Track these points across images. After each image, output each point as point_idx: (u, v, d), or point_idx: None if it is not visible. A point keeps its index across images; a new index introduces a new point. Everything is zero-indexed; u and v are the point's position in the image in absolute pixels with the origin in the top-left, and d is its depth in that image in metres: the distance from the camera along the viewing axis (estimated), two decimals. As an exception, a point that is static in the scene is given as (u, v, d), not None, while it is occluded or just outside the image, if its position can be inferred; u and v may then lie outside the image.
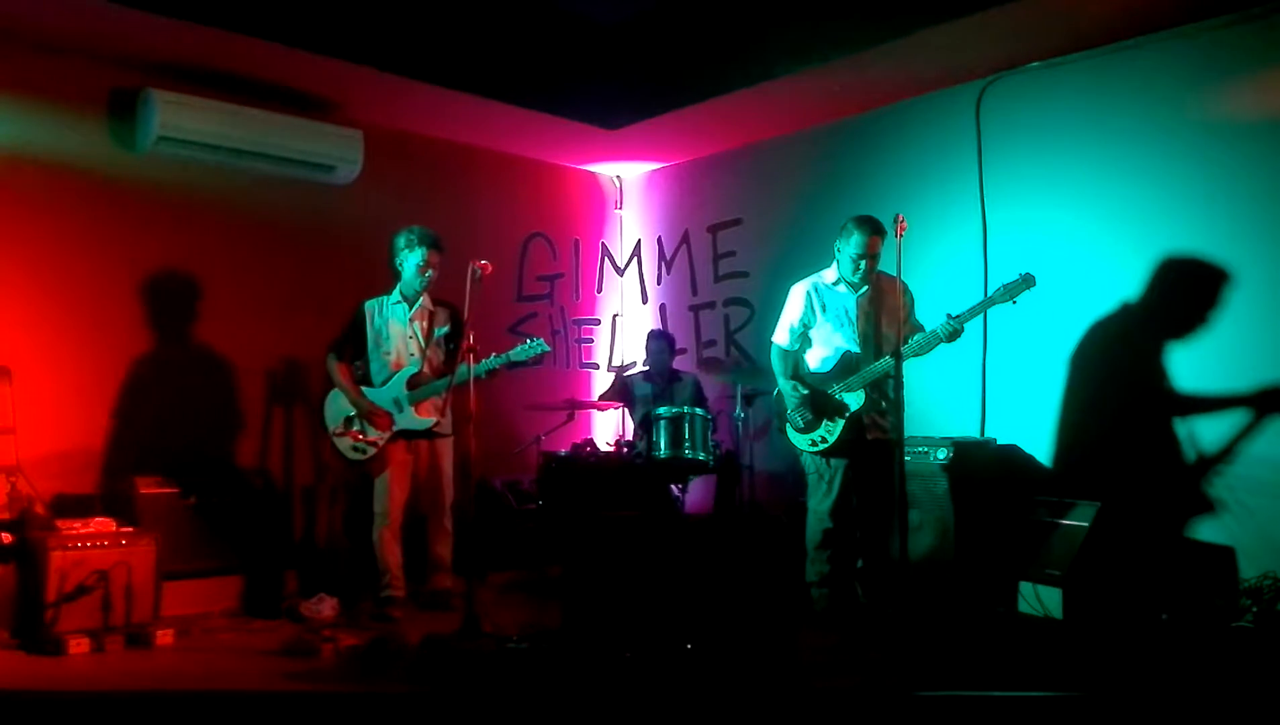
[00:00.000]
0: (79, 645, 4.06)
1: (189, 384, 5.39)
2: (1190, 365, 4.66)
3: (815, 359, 4.67)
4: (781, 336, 4.73)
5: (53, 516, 4.54)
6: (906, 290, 4.62)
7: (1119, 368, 4.89)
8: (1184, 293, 4.69)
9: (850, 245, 4.49)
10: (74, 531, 4.33)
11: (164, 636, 4.25)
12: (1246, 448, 4.47)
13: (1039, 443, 5.07)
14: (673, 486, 5.74)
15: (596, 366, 7.29)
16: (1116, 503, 4.58)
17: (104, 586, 4.26)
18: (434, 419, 4.87)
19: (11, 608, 4.23)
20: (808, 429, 4.56)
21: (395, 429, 4.85)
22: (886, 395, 4.53)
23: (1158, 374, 4.74)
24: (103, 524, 4.46)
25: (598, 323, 7.34)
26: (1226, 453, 4.50)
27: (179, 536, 4.78)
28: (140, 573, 4.37)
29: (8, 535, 4.30)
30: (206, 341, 5.44)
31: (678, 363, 6.60)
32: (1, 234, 4.88)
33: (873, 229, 4.45)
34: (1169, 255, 4.72)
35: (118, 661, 4.03)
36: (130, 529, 4.52)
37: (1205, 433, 4.59)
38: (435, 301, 5.02)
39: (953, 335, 4.31)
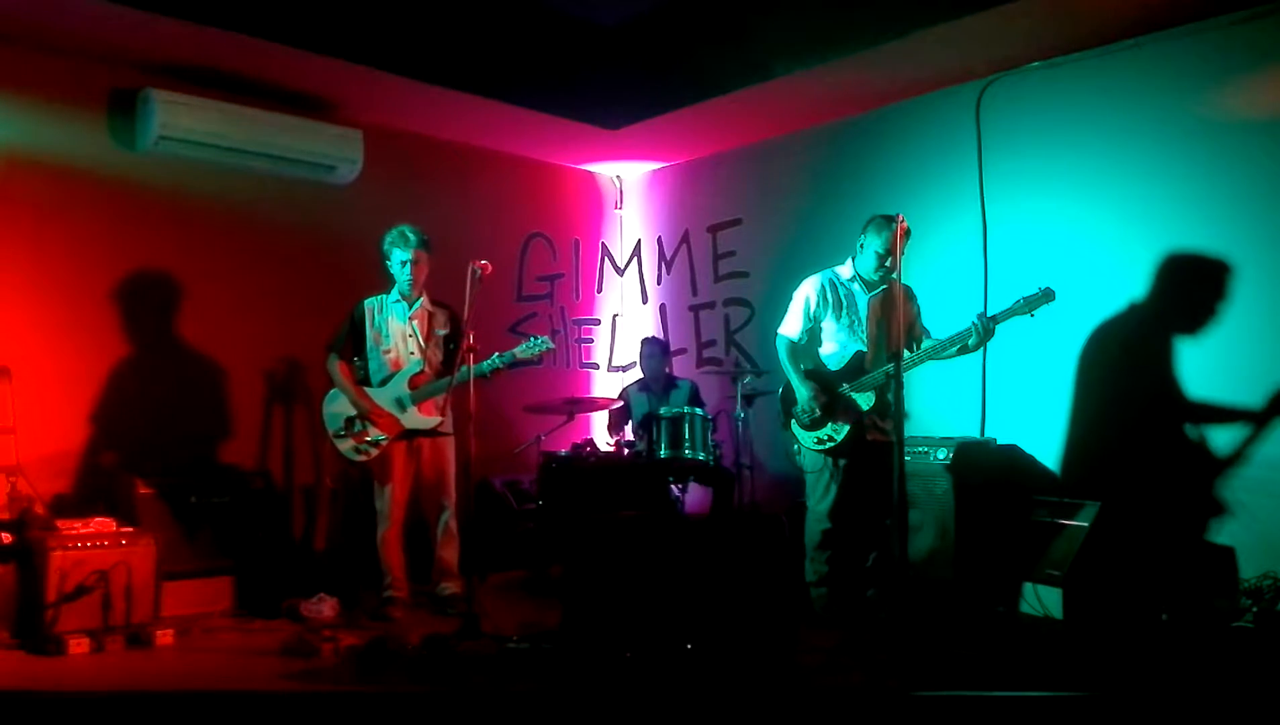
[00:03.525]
0: (79, 645, 4.05)
1: (189, 384, 5.39)
2: (1193, 365, 4.66)
3: (825, 356, 4.63)
4: (791, 328, 4.65)
5: (53, 516, 4.55)
6: (914, 297, 4.63)
7: (1120, 368, 4.89)
8: (1187, 292, 4.69)
9: (879, 241, 4.43)
10: (74, 531, 4.33)
11: (164, 636, 4.24)
12: (1247, 448, 4.47)
13: (1039, 443, 5.07)
14: (673, 487, 5.74)
15: (596, 366, 7.29)
16: (1117, 503, 4.58)
17: (104, 586, 4.25)
18: (438, 418, 4.86)
19: (11, 608, 4.23)
20: (814, 426, 4.54)
21: (399, 429, 4.83)
22: (887, 397, 4.54)
23: (1159, 374, 4.74)
24: (103, 524, 4.46)
25: (598, 323, 7.34)
26: (1237, 457, 4.48)
27: (179, 536, 4.79)
28: (140, 573, 4.37)
29: (8, 535, 4.30)
30: (206, 341, 5.44)
31: (677, 363, 6.60)
32: (1, 234, 4.88)
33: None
34: (1172, 254, 4.72)
35: (118, 661, 4.03)
36: (130, 529, 4.51)
37: (1209, 434, 4.59)
38: (435, 302, 5.01)
39: (979, 344, 4.29)
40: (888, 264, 4.46)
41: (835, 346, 4.60)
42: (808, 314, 4.61)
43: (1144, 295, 4.81)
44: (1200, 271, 4.63)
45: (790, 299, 4.70)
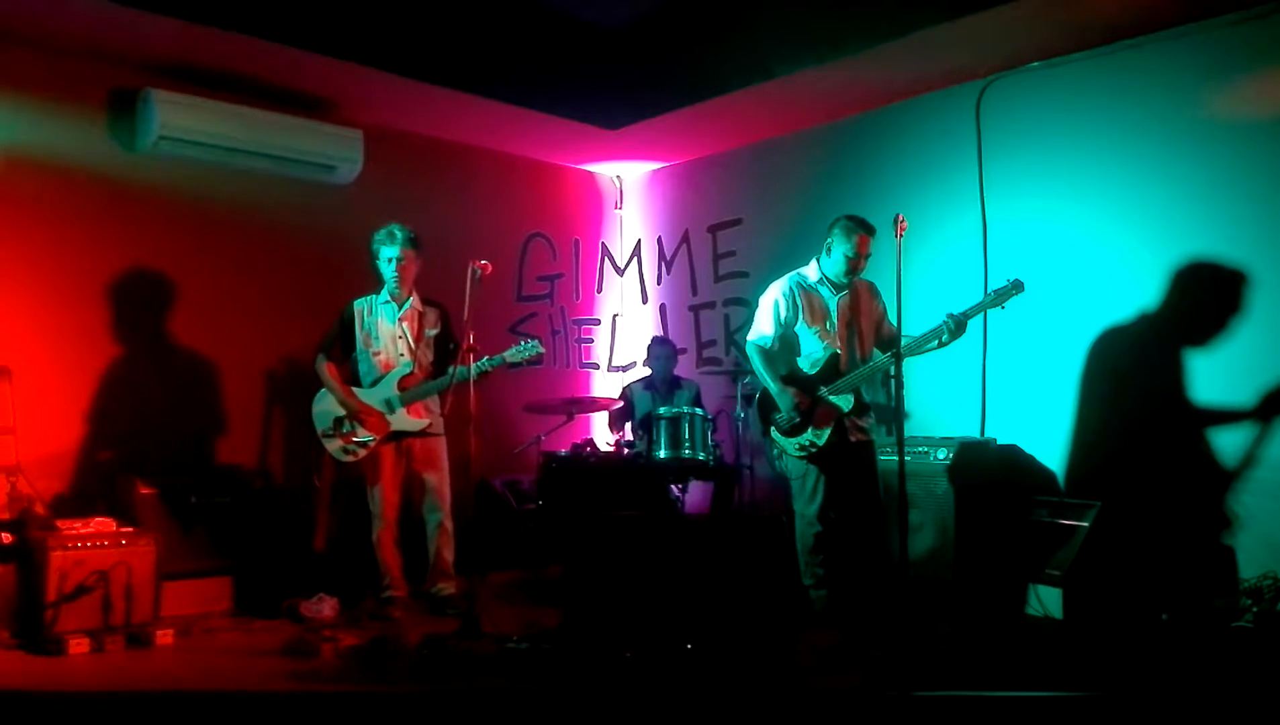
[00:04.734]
0: (79, 645, 4.05)
1: (189, 383, 5.39)
2: (1194, 365, 4.66)
3: (798, 359, 4.60)
4: (762, 334, 4.60)
5: (53, 516, 4.55)
6: (879, 294, 4.61)
7: (1119, 368, 4.89)
8: (1184, 293, 4.68)
9: (847, 245, 4.42)
10: (74, 531, 4.33)
11: (164, 636, 4.24)
12: (1254, 451, 4.47)
13: (1039, 443, 5.06)
14: (672, 487, 5.74)
15: (596, 366, 7.29)
16: (1117, 503, 4.58)
17: (104, 586, 4.25)
18: (426, 420, 4.87)
19: (12, 608, 4.23)
20: (795, 432, 4.51)
21: (387, 430, 4.82)
22: (864, 398, 4.54)
23: (1159, 374, 4.74)
24: (103, 524, 4.45)
25: (598, 323, 7.34)
26: (1248, 461, 4.47)
27: (179, 536, 4.79)
28: (140, 573, 4.36)
29: (8, 535, 4.31)
30: (207, 340, 5.44)
31: (677, 363, 6.59)
32: (1, 234, 4.88)
33: (866, 228, 4.43)
34: (1171, 256, 4.72)
35: (118, 661, 4.02)
36: (130, 529, 4.51)
37: (1210, 437, 4.59)
38: (425, 302, 5.01)
39: (952, 339, 4.29)
40: (857, 267, 4.46)
41: (808, 350, 4.56)
42: (778, 319, 4.56)
43: (1143, 293, 4.80)
44: (1203, 275, 4.62)
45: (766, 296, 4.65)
